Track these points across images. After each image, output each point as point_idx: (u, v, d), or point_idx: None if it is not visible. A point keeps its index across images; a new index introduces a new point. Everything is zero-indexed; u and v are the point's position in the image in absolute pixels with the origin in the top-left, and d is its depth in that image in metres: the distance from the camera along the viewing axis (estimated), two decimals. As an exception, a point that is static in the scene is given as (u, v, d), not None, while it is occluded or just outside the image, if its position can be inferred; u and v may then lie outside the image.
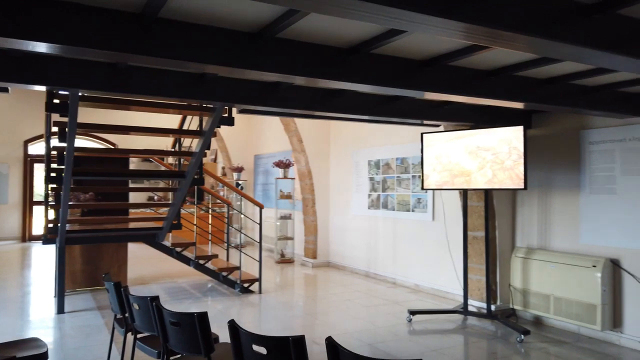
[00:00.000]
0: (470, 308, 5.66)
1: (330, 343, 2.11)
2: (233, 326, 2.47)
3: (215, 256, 6.98)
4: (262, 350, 2.33)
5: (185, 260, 6.75)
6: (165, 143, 11.87)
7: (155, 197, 11.42)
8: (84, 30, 2.43)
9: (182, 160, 6.58)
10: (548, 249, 5.43)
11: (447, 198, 6.56)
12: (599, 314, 4.74)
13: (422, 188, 5.75)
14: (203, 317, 2.71)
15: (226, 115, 4.52)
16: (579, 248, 5.14)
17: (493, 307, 5.59)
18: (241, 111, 4.81)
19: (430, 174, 5.67)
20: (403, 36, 2.80)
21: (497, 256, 5.74)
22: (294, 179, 9.86)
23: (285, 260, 9.72)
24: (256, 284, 6.93)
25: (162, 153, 5.83)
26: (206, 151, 5.17)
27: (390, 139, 7.73)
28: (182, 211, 7.55)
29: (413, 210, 7.31)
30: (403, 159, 7.54)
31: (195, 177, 5.27)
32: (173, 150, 6.64)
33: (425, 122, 5.64)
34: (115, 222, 6.63)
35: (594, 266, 4.83)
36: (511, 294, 5.56)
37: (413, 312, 5.51)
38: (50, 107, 3.87)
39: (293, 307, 6.30)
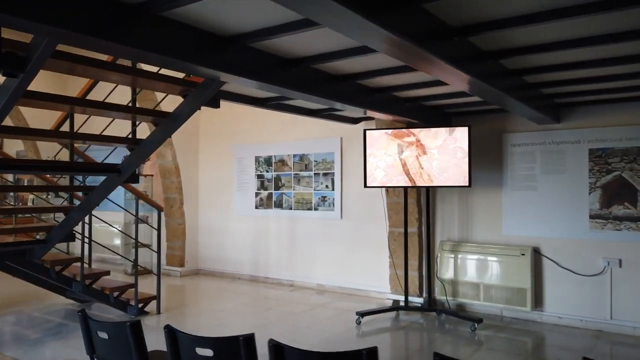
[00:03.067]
0: (401, 303, 5.74)
1: (169, 330, 2.46)
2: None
3: (107, 273, 5.52)
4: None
5: (66, 283, 5.14)
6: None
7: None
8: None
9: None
10: (471, 241, 5.89)
11: (360, 196, 6.53)
12: (529, 296, 5.36)
13: (365, 186, 5.60)
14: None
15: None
16: (502, 239, 5.72)
17: (421, 300, 5.83)
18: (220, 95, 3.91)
19: (372, 172, 5.56)
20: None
21: (423, 250, 5.99)
22: (152, 175, 8.50)
23: (140, 271, 8.27)
24: (153, 302, 5.75)
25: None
26: None
27: (286, 135, 7.31)
28: None
29: (316, 209, 7.07)
30: (302, 155, 7.22)
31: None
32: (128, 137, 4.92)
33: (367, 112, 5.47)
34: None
35: (523, 254, 5.44)
36: (443, 286, 5.86)
37: (362, 314, 5.33)
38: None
39: (219, 325, 5.39)
